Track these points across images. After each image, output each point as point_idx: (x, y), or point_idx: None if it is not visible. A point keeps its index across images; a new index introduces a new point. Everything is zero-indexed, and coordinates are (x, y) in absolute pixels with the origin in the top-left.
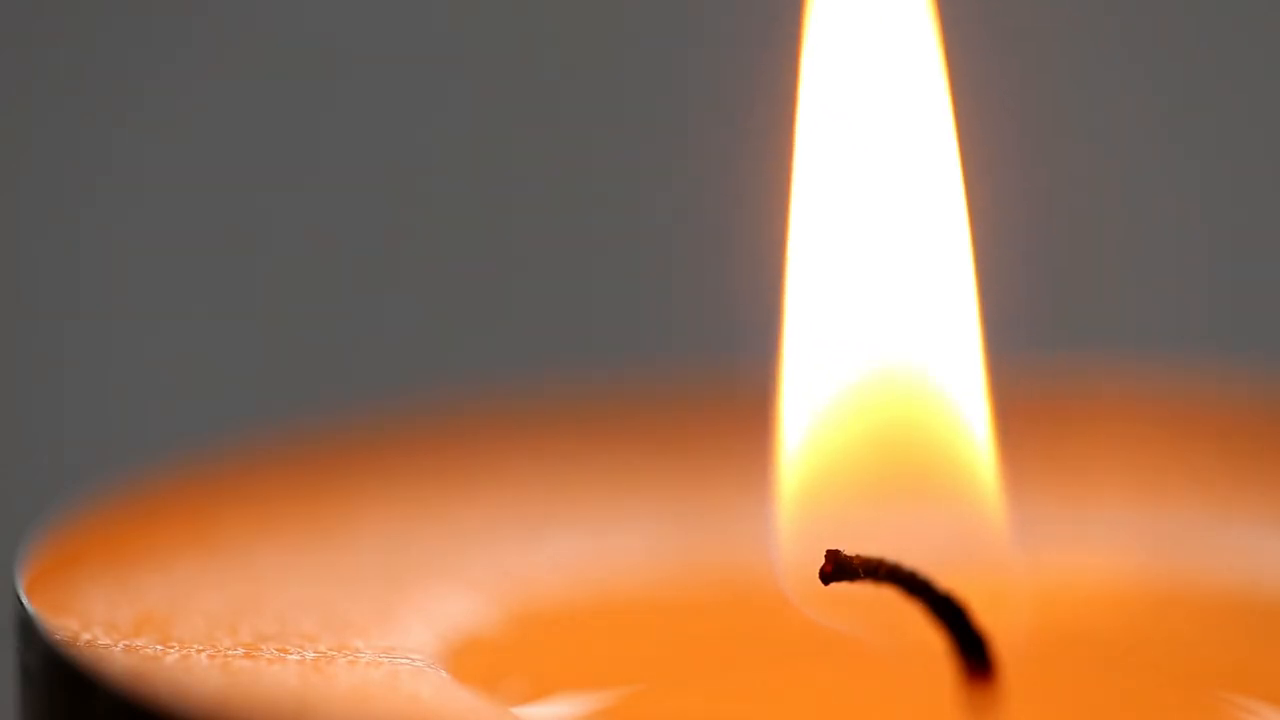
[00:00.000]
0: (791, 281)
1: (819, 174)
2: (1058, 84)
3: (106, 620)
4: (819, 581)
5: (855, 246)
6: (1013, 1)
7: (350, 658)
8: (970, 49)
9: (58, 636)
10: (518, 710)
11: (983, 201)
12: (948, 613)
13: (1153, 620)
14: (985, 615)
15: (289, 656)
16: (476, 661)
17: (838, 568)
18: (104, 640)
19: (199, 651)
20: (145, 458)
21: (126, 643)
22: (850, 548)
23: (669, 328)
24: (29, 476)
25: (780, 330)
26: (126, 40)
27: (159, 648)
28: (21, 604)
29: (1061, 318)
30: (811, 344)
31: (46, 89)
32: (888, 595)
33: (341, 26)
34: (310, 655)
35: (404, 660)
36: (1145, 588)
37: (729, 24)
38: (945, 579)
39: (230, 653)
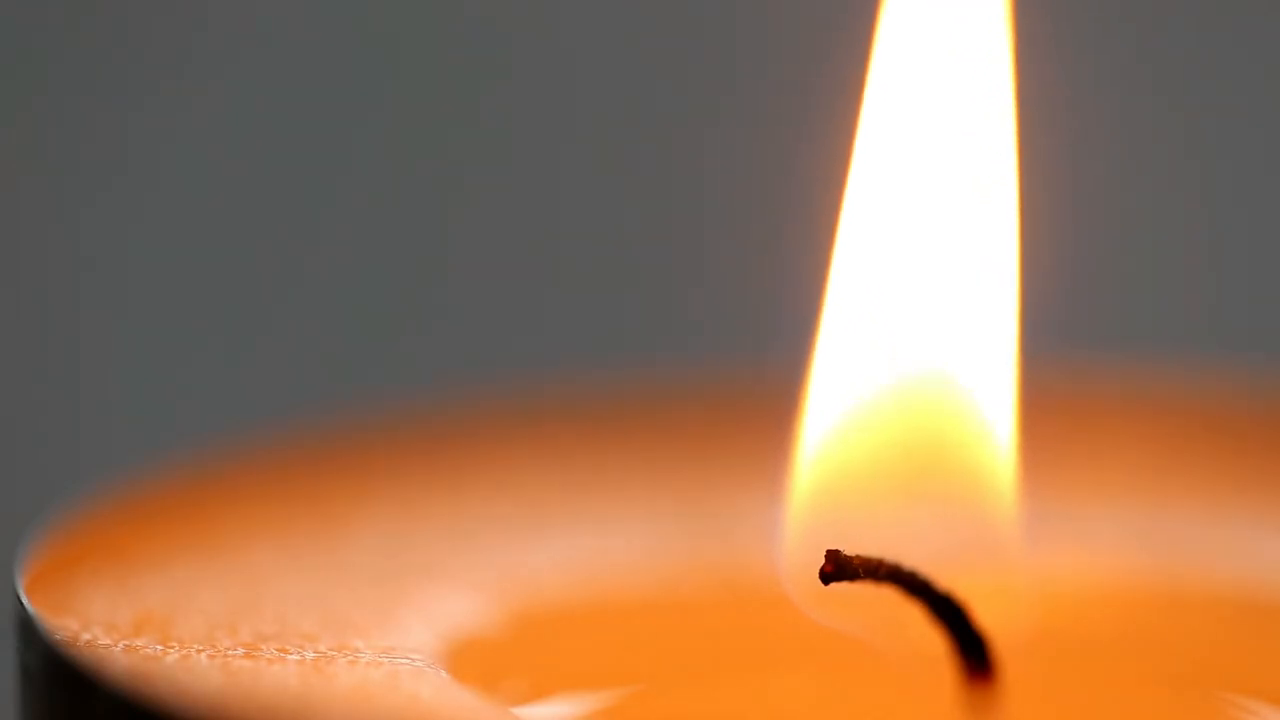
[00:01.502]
0: (829, 284)
1: (867, 176)
2: (1057, 84)
3: (106, 620)
4: (819, 581)
5: (900, 251)
6: (1067, 14)
7: (350, 658)
8: (1004, 59)
9: (58, 636)
10: (518, 710)
11: (1010, 206)
12: (948, 613)
13: (1153, 620)
14: (985, 615)
15: (289, 656)
16: (476, 661)
17: (838, 568)
18: (104, 640)
19: (199, 651)
20: (145, 458)
21: (126, 643)
22: (851, 548)
23: (671, 327)
24: (29, 476)
25: (793, 330)
26: (126, 39)
27: (159, 648)
28: (21, 604)
29: (1061, 318)
30: (838, 344)
31: (49, 88)
32: (888, 595)
33: (346, 19)
34: (310, 655)
35: (404, 660)
36: (1145, 588)
37: (789, 15)
38: (945, 579)
39: (230, 653)
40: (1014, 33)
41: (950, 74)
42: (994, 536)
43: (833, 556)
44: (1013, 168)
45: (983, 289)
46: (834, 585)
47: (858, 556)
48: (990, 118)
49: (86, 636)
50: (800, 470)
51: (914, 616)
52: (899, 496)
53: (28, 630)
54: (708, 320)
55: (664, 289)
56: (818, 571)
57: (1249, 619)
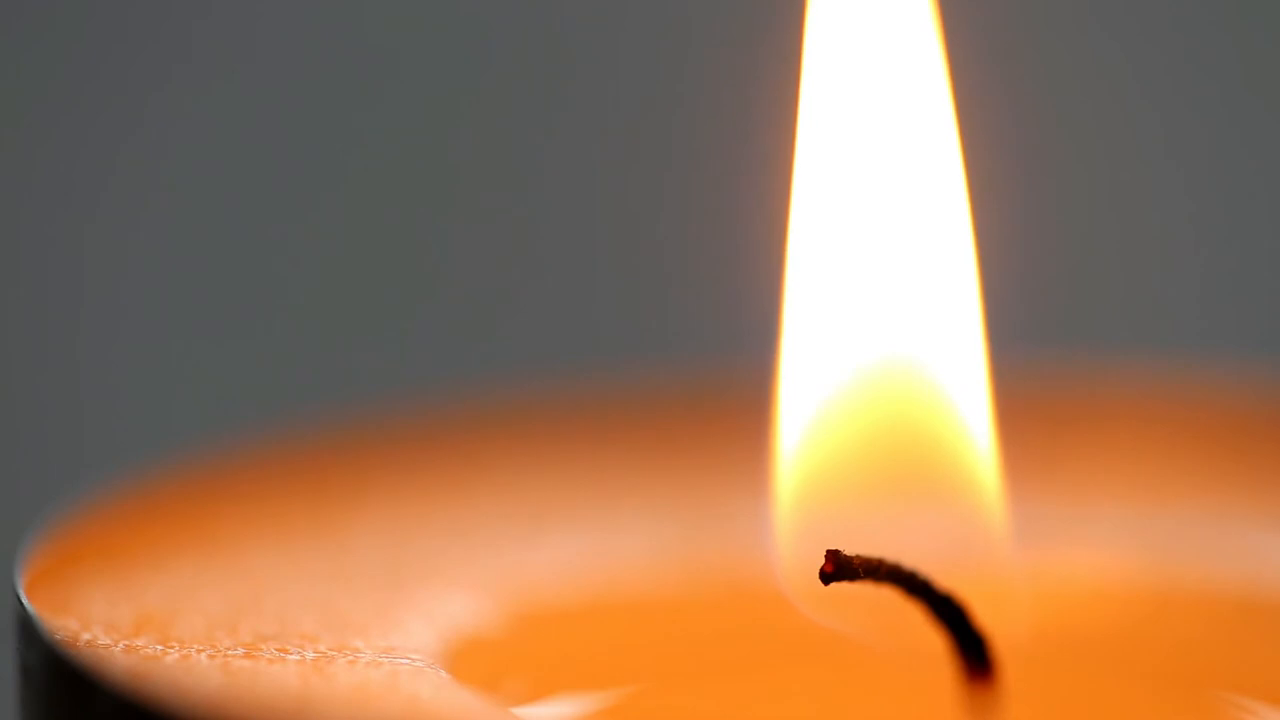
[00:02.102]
0: (791, 280)
1: (820, 171)
2: (1060, 82)
3: (106, 620)
4: (819, 581)
5: (856, 245)
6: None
7: (350, 658)
8: (974, 47)
9: (58, 636)
10: (518, 710)
11: (983, 200)
12: (948, 613)
13: (1153, 620)
14: (985, 615)
15: (289, 656)
16: (476, 661)
17: (838, 568)
18: (104, 640)
19: (199, 651)
20: (145, 458)
21: (126, 643)
22: (850, 548)
23: (669, 327)
24: (29, 476)
25: (779, 329)
26: (127, 41)
27: (159, 648)
28: (21, 604)
29: (1062, 317)
30: (811, 343)
31: (50, 87)
32: (888, 595)
33: (344, 19)
34: (310, 655)
35: (404, 660)
36: (1145, 588)
37: (729, 19)
38: (945, 579)
39: (230, 653)
40: (978, 19)
41: (903, 65)
42: (981, 535)
43: (833, 556)
44: (987, 162)
45: (967, 286)
46: (834, 585)
47: (858, 556)
48: (939, 112)
49: (86, 636)
50: (788, 471)
51: (914, 616)
52: (889, 496)
53: (28, 630)
54: (708, 320)
55: (663, 289)
56: (818, 571)
57: (1249, 619)
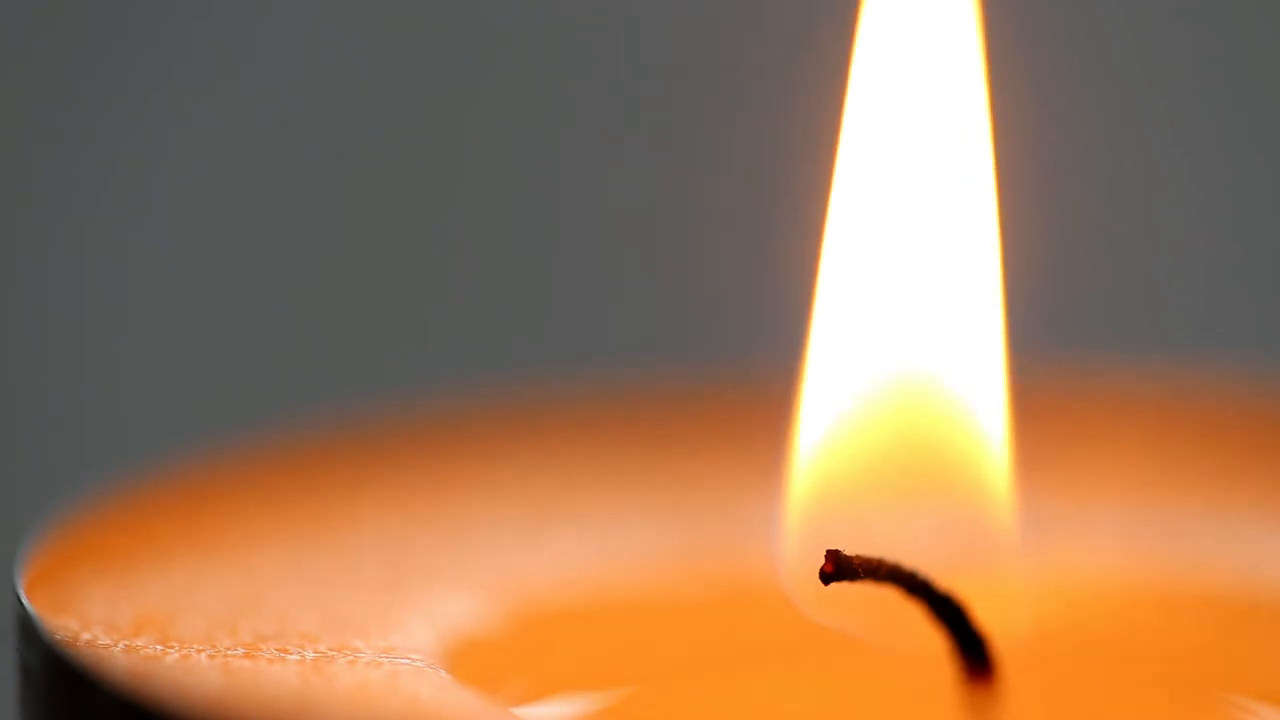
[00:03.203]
0: (818, 284)
1: (855, 177)
2: (1060, 85)
3: (106, 620)
4: (819, 581)
5: (884, 250)
6: (1045, 12)
7: (350, 658)
8: (989, 57)
9: (58, 636)
10: (518, 710)
11: (1001, 204)
12: (948, 613)
13: (1152, 620)
14: (985, 615)
15: (289, 656)
16: (476, 661)
17: (838, 568)
18: (104, 640)
19: (199, 651)
20: (145, 458)
21: (126, 643)
22: (851, 547)
23: (672, 327)
24: (29, 476)
25: (788, 331)
26: (127, 41)
27: (159, 648)
28: (21, 604)
29: (1063, 318)
30: (833, 345)
31: (52, 84)
32: (888, 595)
33: (342, 19)
34: (310, 655)
35: (404, 660)
36: (1145, 588)
37: (767, 23)
38: (945, 579)
39: (230, 653)
40: (991, 30)
41: (931, 74)
42: (990, 536)
43: (833, 556)
44: (995, 167)
45: (973, 288)
46: (834, 585)
47: (858, 556)
48: (975, 117)
49: (86, 636)
50: (797, 471)
51: (914, 616)
52: (895, 497)
53: (28, 630)
54: (707, 321)
55: (661, 290)
56: (818, 571)
57: (1249, 619)
